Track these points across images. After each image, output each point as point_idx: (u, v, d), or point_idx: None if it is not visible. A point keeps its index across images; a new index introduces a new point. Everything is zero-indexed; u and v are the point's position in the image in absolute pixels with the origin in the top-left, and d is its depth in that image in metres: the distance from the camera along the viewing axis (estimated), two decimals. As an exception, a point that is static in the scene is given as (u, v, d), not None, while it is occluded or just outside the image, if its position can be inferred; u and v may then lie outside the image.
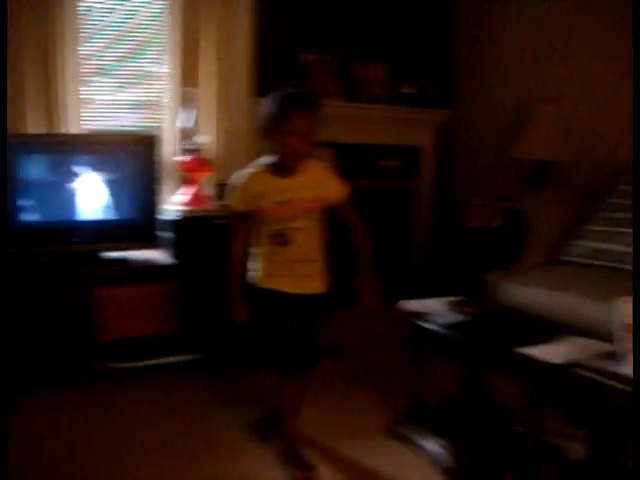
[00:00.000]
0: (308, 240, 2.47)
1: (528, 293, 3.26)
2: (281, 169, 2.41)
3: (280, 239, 2.43)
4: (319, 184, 2.43)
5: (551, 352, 2.26)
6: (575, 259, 3.50)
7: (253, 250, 2.54)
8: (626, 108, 3.88)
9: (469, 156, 5.10)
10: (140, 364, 3.34)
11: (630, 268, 3.23)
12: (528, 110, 4.32)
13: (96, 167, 3.31)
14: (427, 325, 2.63)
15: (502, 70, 4.82)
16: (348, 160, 4.37)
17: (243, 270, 2.54)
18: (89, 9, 3.69)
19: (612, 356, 2.12)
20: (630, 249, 3.24)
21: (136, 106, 3.94)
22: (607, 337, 2.29)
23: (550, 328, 2.56)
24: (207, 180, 3.83)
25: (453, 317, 2.61)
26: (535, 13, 4.54)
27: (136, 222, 3.39)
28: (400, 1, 4.91)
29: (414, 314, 2.72)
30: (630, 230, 3.26)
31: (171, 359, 3.43)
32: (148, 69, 3.94)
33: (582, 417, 2.23)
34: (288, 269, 2.46)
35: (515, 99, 4.68)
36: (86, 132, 3.69)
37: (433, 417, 2.81)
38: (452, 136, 5.19)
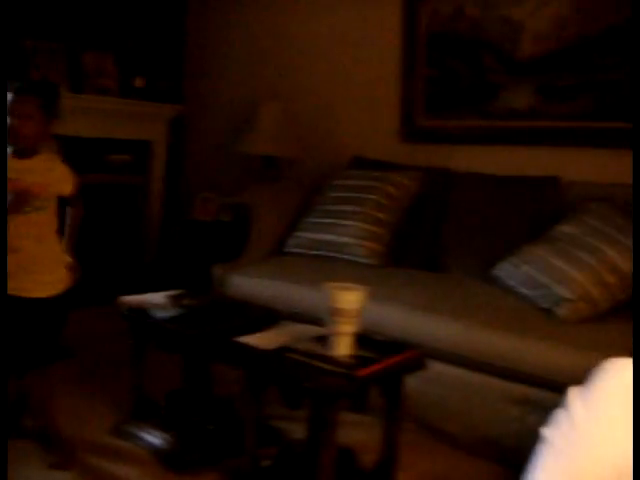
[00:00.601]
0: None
1: (251, 284, 3.37)
2: (17, 151, 2.44)
3: None
4: (49, 170, 2.46)
5: (265, 339, 2.34)
6: (297, 250, 3.66)
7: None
8: (349, 108, 4.16)
9: (200, 151, 5.14)
10: None
11: (346, 257, 3.45)
12: (255, 107, 4.44)
13: None
14: (145, 319, 2.61)
15: (231, 67, 4.93)
16: (75, 154, 4.19)
17: None
18: None
19: (322, 339, 2.23)
20: (343, 239, 3.46)
21: None
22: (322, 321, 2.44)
23: (269, 317, 2.65)
24: None
25: (172, 311, 2.62)
26: (266, 11, 4.70)
27: None
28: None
29: (133, 309, 2.68)
30: (343, 222, 3.49)
31: None
32: None
33: (298, 399, 2.32)
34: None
35: (243, 96, 4.79)
36: None
37: (158, 411, 2.79)
38: (184, 131, 5.19)
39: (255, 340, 2.33)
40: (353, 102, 4.31)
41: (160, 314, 2.58)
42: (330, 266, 3.40)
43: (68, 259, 2.57)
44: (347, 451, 2.40)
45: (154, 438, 2.65)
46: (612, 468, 1.29)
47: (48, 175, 2.44)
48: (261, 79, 4.73)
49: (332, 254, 3.53)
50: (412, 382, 2.39)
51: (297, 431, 2.66)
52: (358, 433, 2.55)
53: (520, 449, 1.78)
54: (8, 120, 2.37)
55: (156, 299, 2.74)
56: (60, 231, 2.56)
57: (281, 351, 2.20)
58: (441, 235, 3.54)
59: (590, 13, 3.41)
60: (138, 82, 4.82)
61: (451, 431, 2.70)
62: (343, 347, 2.16)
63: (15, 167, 2.39)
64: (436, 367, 2.61)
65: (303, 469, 2.48)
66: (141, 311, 2.66)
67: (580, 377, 1.49)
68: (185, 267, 4.05)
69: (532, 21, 3.58)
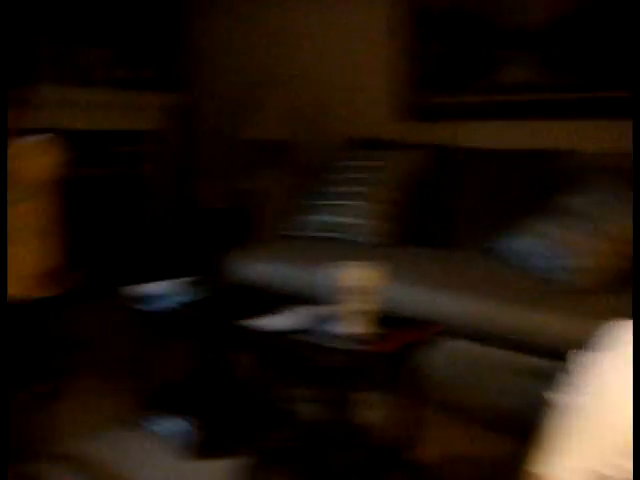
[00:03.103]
0: None
1: (259, 268, 3.36)
2: None
3: None
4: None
5: (275, 321, 2.34)
6: (303, 233, 3.66)
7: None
8: (350, 91, 4.13)
9: (205, 138, 5.11)
10: None
11: (353, 238, 3.44)
12: (257, 92, 4.41)
13: None
14: (153, 309, 2.62)
15: (231, 52, 4.90)
16: (72, 147, 4.17)
17: None
18: None
19: (337, 318, 2.22)
20: (349, 220, 3.45)
21: None
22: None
23: (277, 300, 2.65)
24: None
25: (184, 297, 2.63)
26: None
27: None
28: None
29: (140, 298, 2.69)
30: (349, 202, 3.48)
31: None
32: None
33: (310, 379, 2.32)
34: None
35: (243, 81, 4.76)
36: None
37: (173, 399, 2.79)
38: (185, 119, 5.17)
39: (264, 322, 2.33)
40: (349, 82, 4.30)
41: (172, 301, 2.59)
42: (338, 247, 3.39)
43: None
44: (367, 427, 2.40)
45: (173, 425, 2.66)
46: (630, 426, 1.29)
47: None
48: (260, 63, 4.70)
49: (339, 235, 3.53)
50: (427, 358, 2.38)
51: (308, 411, 2.67)
52: (374, 411, 2.54)
53: (538, 422, 1.77)
54: None
55: (166, 287, 2.75)
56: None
57: (293, 332, 2.20)
58: (449, 212, 3.52)
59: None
60: (126, 72, 4.77)
61: (467, 407, 2.69)
62: (359, 325, 2.16)
63: None
64: (450, 343, 2.61)
65: (324, 448, 2.49)
66: (152, 299, 2.66)
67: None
68: (191, 254, 4.04)
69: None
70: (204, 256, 3.74)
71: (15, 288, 2.28)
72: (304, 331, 2.20)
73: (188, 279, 2.84)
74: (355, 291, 2.13)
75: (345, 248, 3.35)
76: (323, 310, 2.41)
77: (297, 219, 3.71)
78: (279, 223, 3.77)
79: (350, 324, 2.16)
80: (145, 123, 4.88)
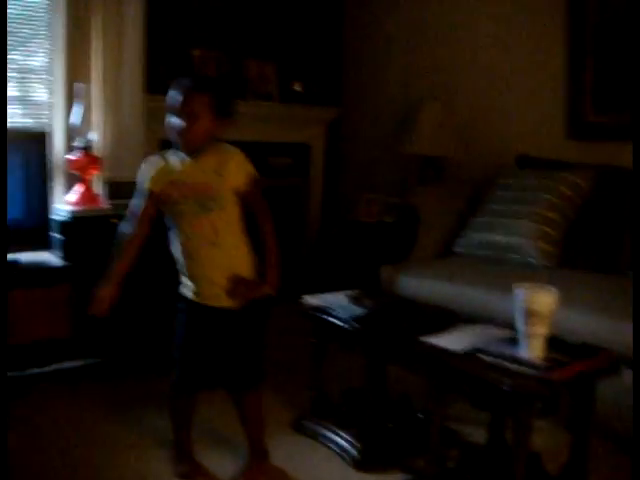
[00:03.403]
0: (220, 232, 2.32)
1: (421, 285, 3.37)
2: (183, 152, 2.31)
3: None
4: (219, 167, 2.29)
5: (453, 340, 2.34)
6: (465, 251, 3.64)
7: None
8: (510, 105, 4.07)
9: (359, 152, 5.19)
10: (33, 371, 3.25)
11: (517, 258, 3.40)
12: (415, 106, 4.43)
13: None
14: (331, 319, 2.67)
15: (390, 67, 4.94)
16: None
17: (134, 255, 2.34)
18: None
19: (511, 341, 2.20)
20: (515, 240, 3.40)
21: (20, 101, 3.77)
22: (501, 323, 2.44)
23: (449, 318, 2.65)
24: (97, 178, 3.73)
25: (355, 310, 2.66)
26: (423, 11, 4.69)
27: (27, 223, 3.27)
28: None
29: (317, 308, 2.75)
30: (514, 222, 3.43)
31: (65, 365, 3.35)
32: (32, 63, 3.78)
33: (485, 402, 2.31)
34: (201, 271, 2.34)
35: (402, 96, 4.81)
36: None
37: (338, 409, 2.85)
38: (341, 133, 5.27)
39: (442, 341, 2.34)
40: (515, 99, 4.21)
41: (343, 313, 2.63)
42: (502, 267, 3.35)
43: (247, 270, 2.39)
44: (535, 455, 2.36)
45: (338, 437, 2.71)
46: None
47: (220, 170, 2.28)
48: (419, 79, 4.72)
49: (502, 255, 3.48)
50: (600, 387, 2.32)
51: (477, 434, 2.66)
52: (543, 438, 2.50)
53: None
54: (172, 120, 2.24)
55: (336, 299, 2.80)
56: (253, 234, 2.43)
57: (472, 352, 2.20)
58: (616, 236, 3.41)
59: None
60: (297, 87, 4.94)
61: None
62: (536, 349, 2.13)
63: (183, 169, 2.30)
64: (624, 372, 2.52)
65: (487, 472, 2.48)
66: (323, 310, 2.72)
67: None
68: (348, 267, 4.10)
69: None
70: (363, 269, 3.80)
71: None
72: (484, 351, 2.19)
73: (352, 292, 2.88)
74: (538, 315, 2.11)
75: (510, 268, 3.31)
76: (496, 331, 2.41)
77: (459, 236, 3.70)
78: (440, 240, 3.78)
79: (529, 348, 2.14)
80: (305, 136, 5.02)
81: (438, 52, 4.61)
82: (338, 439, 2.69)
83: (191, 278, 2.35)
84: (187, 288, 2.38)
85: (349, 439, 2.65)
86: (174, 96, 2.24)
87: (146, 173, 2.34)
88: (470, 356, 2.19)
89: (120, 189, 3.52)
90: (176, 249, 2.37)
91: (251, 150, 4.53)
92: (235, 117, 2.35)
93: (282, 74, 4.90)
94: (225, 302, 2.33)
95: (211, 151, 2.30)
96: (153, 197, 2.33)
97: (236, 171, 2.31)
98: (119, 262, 2.33)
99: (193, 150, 2.29)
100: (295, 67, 5.00)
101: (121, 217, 3.36)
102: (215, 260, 2.30)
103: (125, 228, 2.36)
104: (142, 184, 2.35)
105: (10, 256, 3.25)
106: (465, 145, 4.28)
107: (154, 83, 3.96)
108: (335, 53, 5.28)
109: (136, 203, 2.36)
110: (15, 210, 3.25)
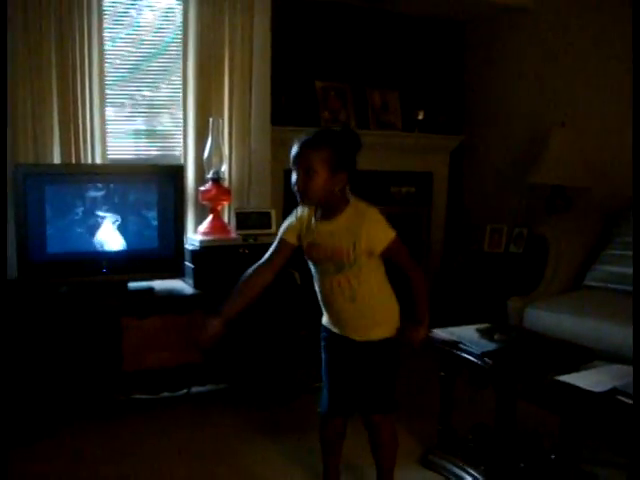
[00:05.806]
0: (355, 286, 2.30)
1: (551, 318, 3.28)
2: (321, 213, 2.31)
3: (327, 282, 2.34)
4: (351, 231, 2.24)
5: (589, 379, 2.26)
6: (598, 284, 3.52)
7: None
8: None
9: (482, 181, 5.13)
10: (165, 395, 3.38)
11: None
12: (540, 134, 4.35)
13: (123, 197, 3.33)
14: (462, 354, 2.64)
15: (513, 94, 4.87)
16: (361, 187, 4.37)
17: (251, 297, 2.35)
18: (113, 39, 3.72)
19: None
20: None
21: (149, 135, 3.96)
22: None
23: (583, 354, 2.57)
24: (226, 209, 3.85)
25: (486, 345, 2.61)
26: (546, 38, 4.60)
27: (162, 252, 3.39)
28: (411, 28, 4.97)
29: (447, 342, 2.72)
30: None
31: (196, 389, 3.48)
32: (165, 97, 3.96)
33: (622, 444, 2.22)
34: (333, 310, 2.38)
35: (526, 123, 4.73)
36: (110, 162, 3.69)
37: (465, 445, 2.80)
38: (464, 161, 5.23)
39: (577, 380, 2.26)
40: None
41: (474, 348, 2.59)
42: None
43: (387, 317, 2.37)
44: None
45: (462, 472, 2.67)
46: None
47: (353, 235, 2.23)
48: (546, 106, 4.62)
49: (629, 288, 3.34)
50: None
51: (614, 477, 2.56)
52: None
53: None
54: (292, 175, 2.24)
55: (466, 333, 2.76)
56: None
57: (611, 394, 2.13)
58: None
59: None
60: (420, 115, 4.94)
61: None
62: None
63: (317, 230, 2.30)
64: None
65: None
66: (453, 344, 2.69)
67: None
68: (475, 298, 4.04)
69: None
70: (489, 300, 3.74)
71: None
72: (624, 392, 2.11)
73: (481, 326, 2.84)
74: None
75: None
76: (631, 371, 2.31)
77: (591, 268, 3.59)
78: (571, 272, 3.67)
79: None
80: (428, 164, 5.02)
81: (561, 78, 4.51)
82: (465, 475, 2.65)
83: (329, 318, 2.41)
84: (327, 318, 2.43)
85: (477, 476, 2.61)
86: (293, 152, 2.24)
87: (286, 222, 2.40)
88: (608, 397, 2.12)
89: (248, 219, 3.61)
90: (317, 290, 2.40)
91: (374, 179, 4.67)
92: (355, 170, 2.30)
93: (405, 103, 4.92)
94: (362, 337, 2.34)
95: (346, 211, 2.27)
96: (285, 246, 2.37)
97: (369, 236, 2.24)
98: (233, 302, 2.33)
99: (315, 204, 2.30)
100: (418, 96, 5.01)
101: (250, 247, 3.47)
102: (351, 312, 2.32)
103: (251, 269, 2.38)
104: (280, 232, 2.40)
105: (145, 284, 3.41)
106: (595, 174, 4.15)
107: (276, 114, 4.08)
108: (457, 81, 5.26)
109: (271, 249, 2.40)
110: (150, 240, 3.38)
